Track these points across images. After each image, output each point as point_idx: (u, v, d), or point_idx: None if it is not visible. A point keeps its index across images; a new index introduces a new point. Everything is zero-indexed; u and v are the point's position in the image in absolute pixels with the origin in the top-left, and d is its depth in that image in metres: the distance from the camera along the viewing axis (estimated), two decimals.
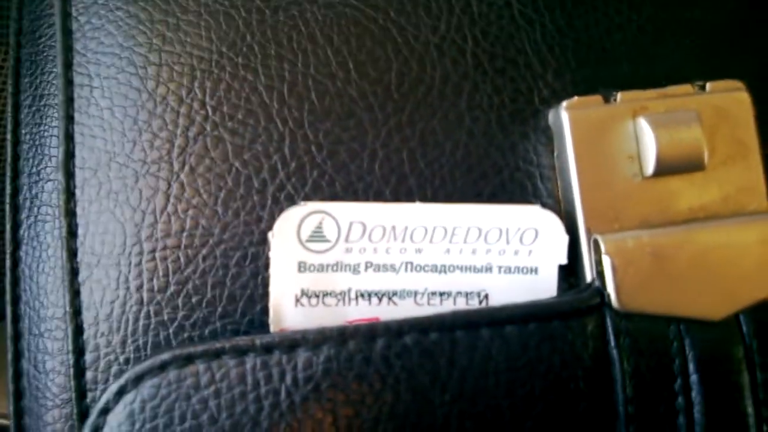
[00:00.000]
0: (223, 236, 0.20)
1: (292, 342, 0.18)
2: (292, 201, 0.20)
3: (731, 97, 0.20)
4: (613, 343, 0.19)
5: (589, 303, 0.19)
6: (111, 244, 0.20)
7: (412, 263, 0.20)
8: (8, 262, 0.22)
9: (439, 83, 0.21)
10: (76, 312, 0.20)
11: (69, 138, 0.21)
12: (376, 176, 0.20)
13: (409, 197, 0.20)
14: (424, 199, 0.20)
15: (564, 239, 0.20)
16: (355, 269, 0.20)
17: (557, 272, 0.20)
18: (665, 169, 0.20)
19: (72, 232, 0.20)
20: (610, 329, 0.19)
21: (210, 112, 0.21)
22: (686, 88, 0.20)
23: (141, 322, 0.20)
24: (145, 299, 0.20)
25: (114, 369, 0.20)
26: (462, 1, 0.21)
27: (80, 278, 0.20)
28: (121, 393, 0.18)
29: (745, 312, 0.19)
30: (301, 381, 0.18)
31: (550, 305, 0.19)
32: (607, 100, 0.20)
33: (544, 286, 0.20)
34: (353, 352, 0.18)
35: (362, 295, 0.20)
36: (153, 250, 0.20)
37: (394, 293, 0.20)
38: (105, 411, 0.18)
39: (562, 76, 0.21)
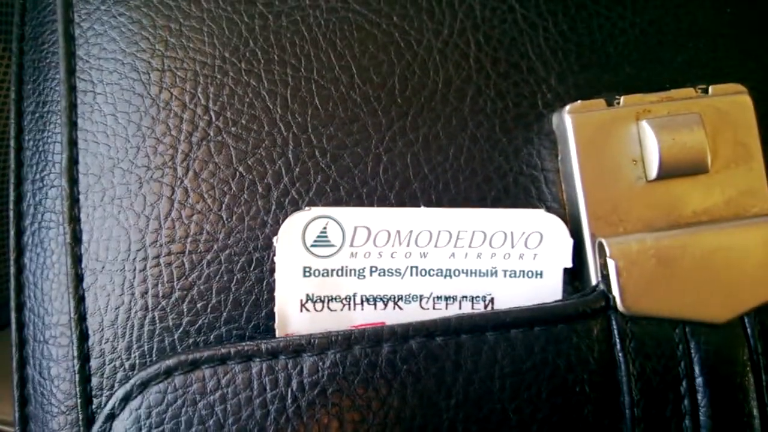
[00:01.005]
0: (228, 241, 0.20)
1: (298, 347, 0.18)
2: (296, 206, 0.20)
3: (734, 101, 0.20)
4: (618, 346, 0.19)
5: (595, 306, 0.19)
6: (115, 250, 0.20)
7: (417, 267, 0.20)
8: (12, 269, 0.22)
9: (443, 88, 0.21)
10: (81, 318, 0.20)
11: (72, 144, 0.21)
12: (380, 181, 0.20)
13: (413, 202, 0.20)
14: (429, 203, 0.20)
15: (569, 243, 0.20)
16: (360, 274, 0.20)
17: (562, 276, 0.20)
18: (669, 172, 0.20)
19: (76, 238, 0.20)
20: (615, 332, 0.19)
21: (213, 118, 0.21)
22: (689, 91, 0.21)
23: (146, 328, 0.20)
24: (150, 305, 0.20)
25: (119, 375, 0.20)
26: (465, 6, 0.21)
27: (85, 284, 0.20)
28: (126, 399, 0.18)
29: (749, 314, 0.19)
30: (307, 386, 0.18)
31: (555, 309, 0.19)
32: (610, 103, 0.20)
33: (549, 290, 0.20)
34: (359, 356, 0.18)
35: (367, 300, 0.20)
36: (157, 256, 0.20)
37: (400, 297, 0.20)
38: (111, 417, 0.18)
39: (565, 80, 0.21)
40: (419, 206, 0.20)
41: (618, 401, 0.18)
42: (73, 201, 0.21)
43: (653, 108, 0.20)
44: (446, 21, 0.21)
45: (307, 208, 0.20)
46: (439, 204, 0.20)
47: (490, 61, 0.21)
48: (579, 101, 0.20)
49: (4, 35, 0.31)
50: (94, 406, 0.19)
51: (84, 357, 0.20)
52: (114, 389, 0.19)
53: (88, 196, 0.21)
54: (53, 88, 0.22)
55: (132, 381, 0.18)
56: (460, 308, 0.20)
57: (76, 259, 0.20)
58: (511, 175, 0.21)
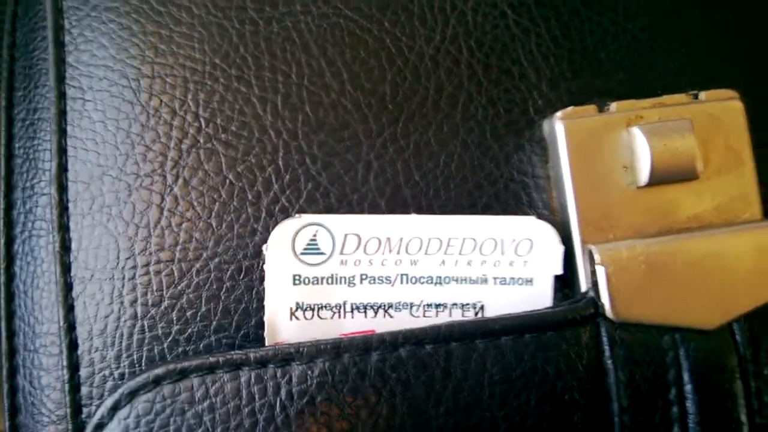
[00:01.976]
0: (217, 249, 0.20)
1: (287, 355, 0.18)
2: (286, 213, 0.20)
3: (725, 106, 0.20)
4: (608, 353, 0.19)
5: (584, 313, 0.19)
6: (104, 258, 0.20)
7: (407, 275, 0.20)
8: (2, 278, 0.22)
9: (434, 94, 0.21)
10: (71, 327, 0.20)
11: (62, 151, 0.21)
12: (370, 188, 0.20)
13: (404, 209, 0.20)
14: (419, 210, 0.20)
15: (559, 250, 0.20)
16: (350, 281, 0.20)
17: (553, 283, 0.20)
18: (659, 178, 0.20)
19: (65, 247, 0.20)
20: (604, 339, 0.19)
21: (203, 125, 0.20)
22: (680, 97, 0.21)
23: (135, 337, 0.20)
24: (139, 313, 0.20)
25: (109, 384, 0.19)
26: (457, 12, 0.21)
27: (74, 293, 0.20)
28: (115, 408, 0.18)
29: (738, 321, 0.19)
30: (295, 395, 0.18)
31: (544, 316, 0.19)
32: (601, 109, 0.20)
33: (539, 297, 0.20)
34: (348, 365, 0.18)
35: (357, 308, 0.20)
36: (147, 264, 0.20)
37: (390, 305, 0.20)
38: (100, 426, 0.18)
39: (556, 87, 0.21)
40: (410, 213, 0.20)
41: (607, 408, 0.18)
42: (63, 209, 0.21)
43: (645, 114, 0.20)
44: (438, 27, 0.21)
45: (297, 215, 0.20)
46: (429, 211, 0.20)
47: (482, 67, 0.21)
48: (570, 107, 0.20)
49: None
50: (83, 416, 0.19)
51: (74, 366, 0.20)
52: (103, 398, 0.19)
53: (77, 204, 0.21)
54: (43, 95, 0.22)
55: (120, 390, 0.18)
56: (450, 316, 0.20)
57: (66, 268, 0.20)
58: (502, 182, 0.21)
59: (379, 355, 0.18)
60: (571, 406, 0.18)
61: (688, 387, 0.18)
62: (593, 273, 0.19)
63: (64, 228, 0.20)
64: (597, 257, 0.19)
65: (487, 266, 0.20)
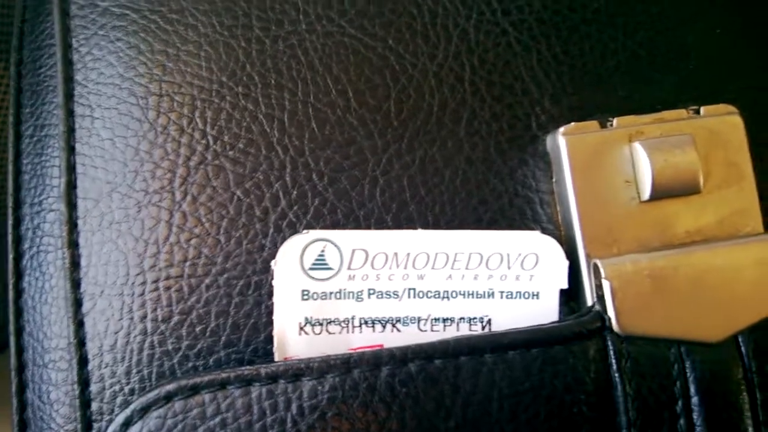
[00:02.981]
0: (226, 265, 0.20)
1: (297, 371, 0.18)
2: (294, 229, 0.20)
3: (725, 121, 0.21)
4: (615, 367, 0.19)
5: (590, 327, 0.19)
6: (114, 274, 0.20)
7: (414, 290, 0.20)
8: (11, 294, 0.22)
9: (438, 110, 0.21)
10: (81, 343, 0.20)
11: (71, 169, 0.21)
12: (377, 203, 0.21)
13: (410, 224, 0.20)
14: (425, 225, 0.20)
15: (564, 264, 0.20)
16: (358, 296, 0.20)
17: (558, 297, 0.20)
18: (662, 192, 0.20)
19: (75, 263, 0.20)
20: (611, 353, 0.19)
21: (211, 142, 0.21)
22: (680, 112, 0.21)
23: (145, 352, 0.20)
24: (149, 329, 0.20)
25: (119, 399, 0.20)
26: (459, 30, 0.22)
27: (84, 309, 0.20)
28: (127, 424, 0.18)
29: (743, 333, 0.19)
30: (306, 410, 0.18)
31: (552, 330, 0.19)
32: (603, 125, 0.21)
33: (545, 311, 0.20)
34: (358, 380, 0.18)
35: (366, 323, 0.20)
36: (156, 280, 0.20)
37: (398, 320, 0.20)
38: None
39: (558, 102, 0.21)
40: (416, 228, 0.20)
41: (615, 421, 0.19)
42: (72, 226, 0.21)
43: (646, 129, 0.21)
44: (441, 45, 0.22)
45: (304, 231, 0.20)
46: (435, 226, 0.21)
47: (484, 83, 0.21)
48: (573, 123, 0.21)
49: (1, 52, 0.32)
50: (94, 431, 0.20)
51: (84, 382, 0.20)
52: (114, 414, 0.19)
53: (87, 220, 0.21)
54: (51, 111, 0.23)
55: (132, 406, 0.18)
56: (457, 330, 0.20)
57: (75, 284, 0.20)
58: (507, 197, 0.21)
59: (388, 370, 0.18)
60: (579, 420, 0.18)
61: (694, 399, 0.19)
62: (598, 287, 0.19)
63: (73, 244, 0.21)
64: (602, 271, 0.19)
65: (493, 280, 0.20)
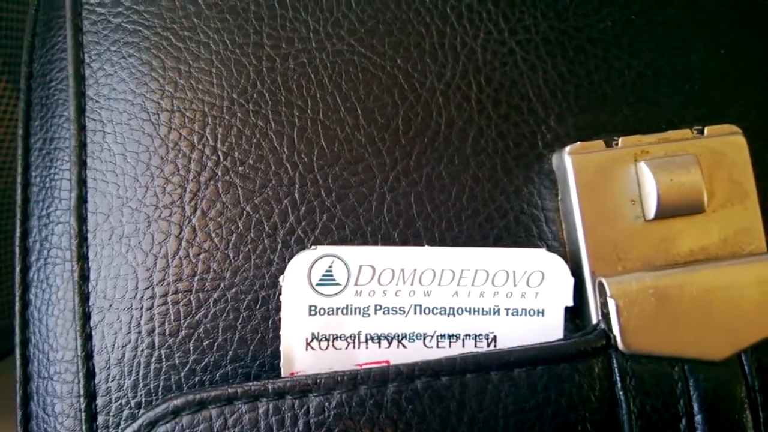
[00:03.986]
0: (234, 280, 0.20)
1: (304, 387, 0.18)
2: (302, 245, 0.20)
3: (728, 141, 0.21)
4: (619, 385, 0.19)
5: (596, 345, 0.19)
6: (123, 288, 0.20)
7: (421, 306, 0.20)
8: (18, 305, 0.22)
9: (445, 129, 0.21)
10: (88, 356, 0.20)
11: (81, 183, 0.21)
12: (384, 219, 0.21)
13: (416, 240, 0.21)
14: (432, 242, 0.21)
15: (570, 282, 0.20)
16: (364, 312, 0.20)
17: (563, 314, 0.20)
18: (666, 212, 0.20)
19: (84, 277, 0.21)
20: (616, 370, 0.19)
21: (221, 158, 0.21)
22: (685, 132, 0.21)
23: (152, 366, 0.20)
24: (156, 343, 0.20)
25: (125, 413, 0.20)
26: (467, 49, 0.22)
27: (92, 322, 0.20)
28: None
29: (746, 352, 0.19)
30: (313, 426, 0.18)
31: (557, 348, 0.19)
32: (608, 144, 0.21)
33: (551, 328, 0.20)
34: (365, 396, 0.18)
35: (372, 338, 0.20)
36: (165, 294, 0.20)
37: (404, 336, 0.20)
38: None
39: (564, 121, 0.22)
40: (423, 245, 0.21)
41: None
42: (82, 239, 0.21)
43: (651, 149, 0.21)
44: (449, 64, 0.22)
45: (312, 247, 0.20)
46: (442, 242, 0.21)
47: (491, 102, 0.22)
48: (578, 142, 0.21)
49: (10, 66, 0.32)
50: None
51: (91, 395, 0.20)
52: (120, 427, 0.19)
53: (97, 234, 0.21)
54: (61, 125, 0.23)
55: (140, 420, 0.18)
56: (463, 347, 0.20)
57: (84, 298, 0.20)
58: (512, 214, 0.21)
59: (395, 387, 0.18)
60: None
61: (698, 417, 0.19)
62: (604, 305, 0.19)
63: (83, 258, 0.21)
64: (608, 290, 0.19)
65: (499, 297, 0.20)
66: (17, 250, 0.23)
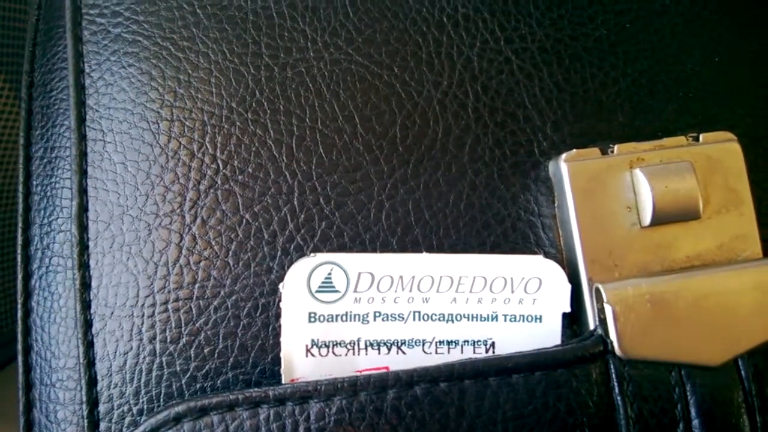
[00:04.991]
0: (235, 287, 0.20)
1: (305, 393, 0.18)
2: (301, 252, 0.21)
3: (724, 148, 0.21)
4: (617, 390, 0.19)
5: (593, 351, 0.19)
6: (124, 296, 0.21)
7: (419, 312, 0.20)
8: (20, 313, 0.22)
9: (442, 137, 0.22)
10: (90, 363, 0.20)
11: (82, 192, 0.22)
12: (382, 227, 0.21)
13: (415, 247, 0.21)
14: (430, 248, 0.21)
15: (567, 288, 0.20)
16: (364, 319, 0.20)
17: (561, 320, 0.20)
18: (662, 218, 0.20)
19: (85, 284, 0.21)
20: (613, 376, 0.19)
21: (221, 166, 0.21)
22: (680, 139, 0.21)
23: (154, 373, 0.20)
24: (158, 350, 0.20)
25: (127, 420, 0.20)
26: (463, 58, 0.22)
27: (94, 330, 0.21)
28: None
29: (743, 357, 0.20)
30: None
31: (555, 354, 0.19)
32: (604, 152, 0.21)
33: (548, 334, 0.20)
34: (365, 402, 0.18)
35: (371, 345, 0.20)
36: (166, 302, 0.20)
37: (403, 342, 0.20)
38: None
39: (560, 129, 0.22)
40: (421, 252, 0.21)
41: None
42: (83, 248, 0.21)
43: (646, 156, 0.21)
44: (445, 72, 0.22)
45: (312, 254, 0.20)
46: (440, 249, 0.21)
47: (487, 110, 0.22)
48: (574, 150, 0.21)
49: (11, 75, 0.32)
50: None
51: (93, 402, 0.20)
52: None
53: (98, 242, 0.21)
54: (61, 134, 0.23)
55: (142, 427, 0.18)
56: (462, 353, 0.20)
57: (86, 305, 0.21)
58: (509, 221, 0.21)
59: (395, 393, 0.18)
60: None
61: (695, 422, 0.19)
62: (600, 311, 0.20)
63: (84, 266, 0.21)
64: (604, 296, 0.19)
65: (497, 304, 0.20)
66: (19, 258, 0.23)
